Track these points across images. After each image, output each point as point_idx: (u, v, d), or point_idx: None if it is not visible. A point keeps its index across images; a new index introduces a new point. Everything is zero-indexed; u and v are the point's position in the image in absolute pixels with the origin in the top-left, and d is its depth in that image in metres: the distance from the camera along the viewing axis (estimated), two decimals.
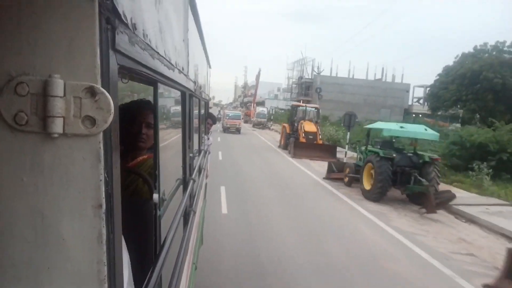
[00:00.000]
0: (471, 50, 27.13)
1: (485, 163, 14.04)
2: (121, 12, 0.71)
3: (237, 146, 21.60)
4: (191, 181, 2.29)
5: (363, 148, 11.74)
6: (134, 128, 2.03)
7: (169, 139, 2.13)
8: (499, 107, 23.33)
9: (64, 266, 0.64)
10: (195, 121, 3.49)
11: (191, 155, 2.80)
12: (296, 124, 20.58)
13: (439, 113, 28.87)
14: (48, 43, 0.62)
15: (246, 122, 41.41)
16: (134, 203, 1.69)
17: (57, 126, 0.61)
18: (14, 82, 0.60)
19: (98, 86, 0.62)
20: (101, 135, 0.63)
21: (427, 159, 9.95)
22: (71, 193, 0.63)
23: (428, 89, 31.50)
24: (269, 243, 6.45)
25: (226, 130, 30.50)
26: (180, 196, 1.97)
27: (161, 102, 1.66)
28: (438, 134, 10.66)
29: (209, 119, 6.74)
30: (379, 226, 7.95)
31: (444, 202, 9.20)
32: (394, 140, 11.34)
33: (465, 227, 8.54)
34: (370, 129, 11.97)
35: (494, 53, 25.64)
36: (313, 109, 22.43)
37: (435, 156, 10.59)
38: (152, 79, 1.21)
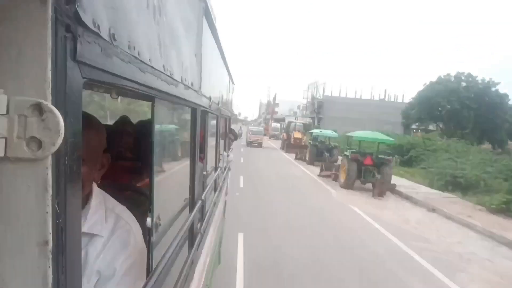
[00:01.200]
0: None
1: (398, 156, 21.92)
2: (88, 20, 0.63)
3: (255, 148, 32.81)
4: (200, 201, 2.19)
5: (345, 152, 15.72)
6: (148, 144, 1.98)
7: (177, 157, 2.05)
8: (449, 124, 30.97)
9: None
10: (211, 138, 3.42)
11: (204, 173, 2.72)
12: (290, 133, 31.72)
13: (413, 127, 37.54)
14: None
15: (264, 135, 46.21)
16: (143, 225, 1.62)
17: None
18: None
19: (47, 103, 0.53)
20: (49, 159, 0.54)
21: (382, 160, 14.55)
22: (13, 227, 0.54)
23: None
24: (270, 199, 11.79)
25: (249, 144, 34.43)
26: (186, 218, 1.88)
27: (164, 118, 1.59)
28: (393, 139, 17.51)
29: (230, 135, 6.68)
30: (342, 202, 12.23)
31: (386, 189, 13.99)
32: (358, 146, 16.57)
33: (398, 201, 13.61)
34: (349, 136, 17.25)
35: (452, 80, 31.00)
36: (301, 123, 35.06)
37: (389, 157, 14.98)
38: (147, 95, 1.13)
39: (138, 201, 1.92)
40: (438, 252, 7.79)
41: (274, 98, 67.62)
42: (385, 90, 61.46)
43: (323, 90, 55.28)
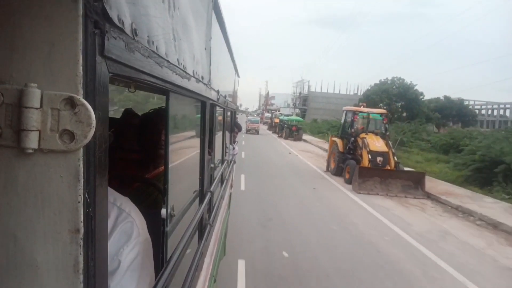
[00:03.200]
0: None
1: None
2: (114, 16, 0.65)
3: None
4: (209, 193, 2.22)
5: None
6: (154, 136, 2.01)
7: (187, 149, 2.08)
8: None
9: None
10: (218, 131, 3.44)
11: (212, 165, 2.74)
12: (273, 119, 34.34)
13: None
14: (27, 50, 0.56)
15: (261, 122, 56.71)
16: (152, 215, 1.64)
17: (32, 141, 0.54)
18: None
19: (79, 97, 0.56)
20: (81, 151, 0.57)
21: (299, 128, 36.61)
22: (46, 215, 0.57)
23: None
24: (260, 150, 24.18)
25: (248, 131, 39.86)
26: (195, 209, 1.91)
27: (176, 111, 1.61)
28: (302, 119, 44.29)
29: (234, 127, 6.69)
30: (281, 142, 32.67)
31: (299, 139, 34.32)
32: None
33: (302, 142, 31.20)
34: (281, 119, 41.89)
35: (389, 83, 40.94)
36: (280, 113, 39.03)
37: (301, 127, 38.31)
38: (162, 88, 1.15)
39: (147, 192, 1.94)
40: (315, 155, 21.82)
41: (267, 94, 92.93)
42: (358, 86, 73.03)
43: (308, 87, 71.94)
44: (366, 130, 14.62)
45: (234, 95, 5.86)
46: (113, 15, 0.65)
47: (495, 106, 58.16)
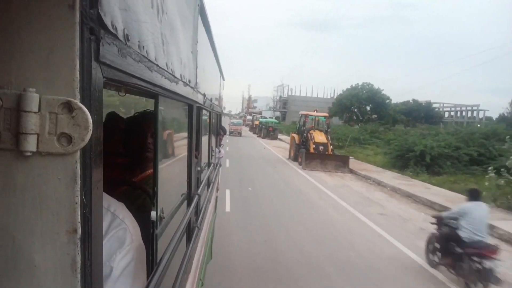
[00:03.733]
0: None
1: None
2: (108, 23, 0.67)
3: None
4: (196, 196, 2.23)
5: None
6: (140, 139, 2.00)
7: (176, 153, 2.09)
8: (352, 116, 46.20)
9: None
10: (205, 134, 3.45)
11: (198, 168, 2.75)
12: (254, 121, 41.75)
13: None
14: (25, 55, 0.57)
15: (243, 124, 60.51)
16: (141, 219, 1.65)
17: (30, 144, 0.56)
18: None
19: (76, 101, 0.58)
20: (78, 154, 0.58)
21: (276, 128, 42.90)
22: (44, 216, 0.58)
23: None
24: (240, 147, 28.81)
25: (231, 133, 40.66)
26: (184, 212, 1.92)
27: (164, 115, 1.63)
28: (277, 121, 49.95)
29: (220, 131, 6.70)
30: (259, 141, 37.67)
31: (274, 138, 39.96)
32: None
33: (278, 141, 38.20)
34: (260, 121, 48.41)
35: (359, 88, 45.27)
36: (260, 116, 43.09)
37: (277, 128, 42.84)
38: (151, 92, 1.17)
39: (134, 195, 1.94)
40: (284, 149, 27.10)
41: (250, 98, 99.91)
42: (334, 90, 78.37)
43: (288, 91, 79.42)
44: (314, 128, 20.80)
45: (219, 98, 5.88)
46: (107, 21, 0.67)
47: (463, 108, 61.72)
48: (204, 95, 2.76)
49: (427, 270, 6.28)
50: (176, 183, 1.96)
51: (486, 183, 11.78)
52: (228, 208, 9.47)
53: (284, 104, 74.66)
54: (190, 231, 2.07)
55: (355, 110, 45.80)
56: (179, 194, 1.95)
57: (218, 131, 6.13)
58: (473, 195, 5.93)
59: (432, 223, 6.39)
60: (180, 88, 1.58)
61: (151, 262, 1.28)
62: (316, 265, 6.21)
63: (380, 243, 7.64)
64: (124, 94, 1.50)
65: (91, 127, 0.58)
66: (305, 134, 20.23)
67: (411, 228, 8.95)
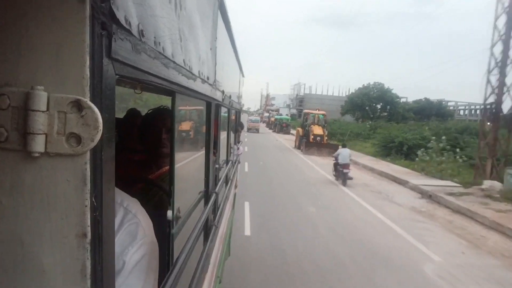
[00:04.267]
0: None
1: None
2: (121, 17, 0.64)
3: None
4: (214, 195, 2.21)
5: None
6: (155, 135, 1.99)
7: (194, 151, 2.07)
8: (364, 113, 49.40)
9: None
10: (223, 131, 3.43)
11: (217, 166, 2.73)
12: (270, 118, 49.95)
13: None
14: (34, 52, 0.55)
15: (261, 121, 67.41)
16: (157, 216, 1.64)
17: (39, 144, 0.54)
18: None
19: (86, 99, 0.55)
20: (87, 154, 0.56)
21: (288, 124, 48.68)
22: (53, 219, 0.56)
23: None
24: (259, 142, 32.98)
25: (249, 130, 44.22)
26: (201, 210, 1.90)
27: (182, 112, 1.61)
28: (289, 117, 56.44)
29: (238, 127, 6.68)
30: (274, 136, 43.35)
31: (287, 133, 45.64)
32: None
33: (290, 136, 39.43)
34: (275, 118, 55.51)
35: (370, 87, 48.74)
36: (274, 113, 48.08)
37: (290, 124, 48.53)
38: (168, 89, 1.14)
39: (151, 193, 1.93)
40: (292, 141, 32.09)
41: (268, 96, 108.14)
42: (349, 89, 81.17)
43: (304, 89, 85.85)
44: (314, 123, 26.70)
45: (238, 95, 5.85)
46: (120, 16, 0.64)
47: (477, 107, 62.91)
48: (223, 92, 2.74)
49: (332, 179, 15.10)
50: (193, 181, 1.94)
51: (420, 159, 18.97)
52: (246, 169, 15.79)
53: (300, 102, 79.24)
54: (207, 230, 2.05)
55: (367, 108, 49.91)
56: (197, 192, 1.93)
57: (236, 128, 6.11)
58: (344, 146, 14.98)
59: (333, 160, 14.79)
60: (198, 85, 1.55)
61: (168, 262, 1.26)
62: (287, 185, 13.65)
63: (324, 177, 15.95)
64: (140, 91, 1.48)
65: (101, 127, 0.55)
66: (306, 128, 26.39)
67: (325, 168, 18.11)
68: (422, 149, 19.50)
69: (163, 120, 2.00)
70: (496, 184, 13.32)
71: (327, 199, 11.65)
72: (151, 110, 2.18)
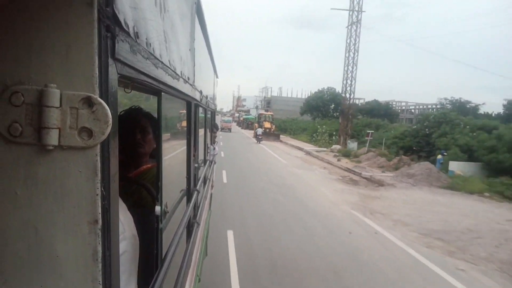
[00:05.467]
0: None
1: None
2: (121, 20, 0.69)
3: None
4: (195, 192, 2.25)
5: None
6: (129, 136, 2.00)
7: (175, 149, 2.10)
8: (318, 113, 55.85)
9: (57, 285, 0.61)
10: (201, 131, 3.47)
11: (196, 165, 2.77)
12: (240, 118, 64.17)
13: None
14: (45, 52, 0.59)
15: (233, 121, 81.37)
16: (137, 214, 1.66)
17: (52, 138, 0.58)
18: (9, 91, 0.58)
19: (96, 96, 0.59)
20: (98, 147, 0.60)
21: (253, 122, 54.65)
22: (65, 207, 0.60)
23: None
24: (230, 137, 40.17)
25: (222, 129, 47.37)
26: (183, 208, 1.94)
27: (165, 112, 1.64)
28: (254, 117, 61.62)
29: (213, 128, 6.70)
30: (242, 131, 53.89)
31: (273, 138, 39.45)
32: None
33: (285, 145, 34.83)
34: (244, 118, 70.26)
35: (324, 91, 56.71)
36: (243, 114, 67.56)
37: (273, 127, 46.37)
38: (155, 88, 1.19)
39: (130, 190, 1.95)
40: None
41: (239, 97, 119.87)
42: (310, 91, 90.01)
43: (271, 92, 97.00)
44: (264, 119, 41.47)
45: (213, 96, 5.88)
46: (121, 19, 0.69)
47: (424, 106, 69.82)
48: (201, 92, 2.78)
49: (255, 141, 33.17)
50: (175, 179, 1.97)
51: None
52: (222, 155, 20.52)
53: (268, 104, 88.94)
54: (190, 227, 2.09)
55: (321, 109, 57.85)
56: (179, 190, 1.97)
57: (212, 128, 6.14)
58: (261, 126, 37.86)
59: (255, 132, 35.00)
60: (181, 85, 1.60)
61: (156, 257, 1.30)
62: (240, 148, 27.15)
63: (263, 150, 26.51)
64: (130, 91, 1.50)
65: (111, 122, 0.60)
66: (260, 123, 40.38)
67: (271, 145, 31.55)
68: (316, 133, 35.17)
69: (136, 120, 2.01)
70: (339, 148, 27.19)
71: (254, 148, 28.03)
72: (123, 112, 2.18)
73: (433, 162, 17.30)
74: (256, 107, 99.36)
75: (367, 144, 23.37)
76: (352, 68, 28.85)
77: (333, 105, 54.87)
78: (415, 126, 24.88)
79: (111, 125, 0.60)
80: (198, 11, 2.59)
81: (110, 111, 0.64)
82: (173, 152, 2.09)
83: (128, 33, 0.74)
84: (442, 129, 20.84)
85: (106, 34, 0.63)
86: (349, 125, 29.28)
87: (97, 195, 0.60)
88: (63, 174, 0.60)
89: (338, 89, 50.99)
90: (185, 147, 2.08)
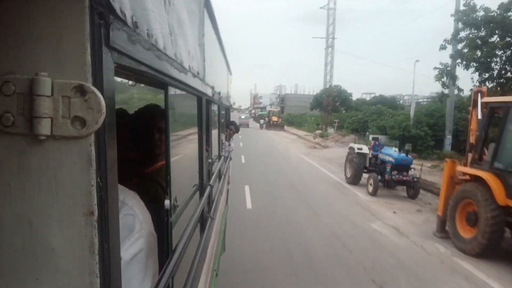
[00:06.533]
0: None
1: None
2: (116, 8, 0.67)
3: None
4: (208, 187, 2.24)
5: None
6: (147, 135, 2.00)
7: (187, 145, 2.10)
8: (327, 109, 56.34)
9: (53, 278, 0.60)
10: (215, 127, 3.46)
11: (209, 160, 2.76)
12: (270, 117, 53.78)
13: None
14: (35, 40, 0.58)
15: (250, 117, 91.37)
16: (154, 209, 1.66)
17: (44, 128, 0.57)
18: None
19: (89, 84, 0.58)
20: (92, 137, 0.59)
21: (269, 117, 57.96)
22: (60, 199, 0.59)
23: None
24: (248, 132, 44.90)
25: (240, 125, 49.67)
26: (196, 203, 1.93)
27: (173, 106, 1.63)
28: (266, 113, 67.48)
29: (231, 126, 6.68)
30: (257, 127, 57.03)
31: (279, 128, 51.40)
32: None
33: (286, 133, 45.75)
34: (259, 114, 79.63)
35: (331, 89, 56.37)
36: (259, 110, 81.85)
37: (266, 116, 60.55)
38: (161, 81, 1.17)
39: (146, 187, 1.95)
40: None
41: (256, 95, 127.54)
42: (320, 89, 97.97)
43: (285, 90, 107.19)
44: (273, 115, 54.36)
45: (227, 93, 5.88)
46: (116, 7, 0.67)
47: (425, 99, 72.44)
48: (212, 88, 2.77)
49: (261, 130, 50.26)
50: (188, 174, 1.97)
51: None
52: (240, 137, 25.72)
53: (282, 101, 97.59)
54: (203, 221, 2.08)
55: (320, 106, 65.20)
56: (191, 185, 1.96)
57: (227, 125, 6.13)
58: (262, 118, 60.12)
59: (261, 123, 56.08)
60: (189, 79, 1.58)
61: (167, 250, 1.29)
62: (253, 134, 39.43)
63: (268, 135, 39.68)
64: (134, 84, 1.50)
65: (104, 110, 0.59)
66: (269, 117, 53.31)
67: (275, 133, 43.99)
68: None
69: (154, 119, 2.00)
70: (320, 132, 36.00)
71: (260, 133, 42.27)
72: (141, 108, 2.18)
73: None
74: (271, 104, 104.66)
75: (335, 128, 35.60)
76: (330, 78, 48.11)
77: (339, 101, 59.38)
78: (360, 116, 35.04)
79: (104, 113, 0.59)
80: (207, 6, 2.57)
81: (105, 100, 0.62)
82: (185, 147, 2.08)
83: (124, 22, 0.72)
84: (373, 117, 31.12)
85: (99, 21, 0.61)
86: (329, 117, 41.91)
87: (92, 185, 0.59)
88: (57, 165, 0.59)
89: (344, 86, 59.42)
90: (197, 143, 2.07)
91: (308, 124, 49.95)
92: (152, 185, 1.94)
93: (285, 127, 52.08)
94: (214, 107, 3.51)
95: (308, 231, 7.72)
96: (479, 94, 7.66)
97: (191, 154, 2.06)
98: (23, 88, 0.57)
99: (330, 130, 35.65)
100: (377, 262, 6.17)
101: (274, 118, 52.26)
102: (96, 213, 0.59)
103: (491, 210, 6.26)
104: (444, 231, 7.58)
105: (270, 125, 50.03)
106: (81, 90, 0.58)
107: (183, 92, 1.70)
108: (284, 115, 79.71)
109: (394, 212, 9.51)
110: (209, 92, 2.49)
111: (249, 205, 9.64)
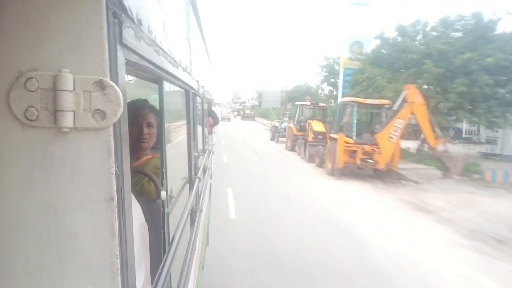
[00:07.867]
0: None
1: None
2: (127, 7, 0.71)
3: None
4: (197, 180, 2.29)
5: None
6: (135, 129, 2.00)
7: (174, 138, 2.13)
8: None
9: (77, 261, 0.64)
10: (199, 120, 3.49)
11: (195, 154, 2.80)
12: (244, 110, 69.88)
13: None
14: (56, 38, 0.62)
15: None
16: (141, 203, 1.69)
17: (68, 120, 0.61)
18: (24, 77, 0.60)
19: (107, 79, 0.62)
20: (111, 128, 0.63)
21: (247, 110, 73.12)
22: (82, 187, 0.63)
23: None
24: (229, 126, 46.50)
25: (222, 119, 61.66)
26: (186, 195, 1.97)
27: (166, 100, 1.66)
28: (243, 107, 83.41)
29: (210, 118, 6.65)
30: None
31: (251, 119, 64.87)
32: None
33: (256, 123, 56.45)
34: (239, 108, 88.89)
35: (302, 86, 65.73)
36: (239, 104, 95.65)
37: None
38: (157, 76, 1.21)
39: (133, 181, 1.97)
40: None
41: (236, 92, 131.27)
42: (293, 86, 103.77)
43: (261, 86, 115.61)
44: (247, 109, 68.58)
45: (209, 86, 5.89)
46: (127, 5, 0.71)
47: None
48: (198, 81, 2.80)
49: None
50: (177, 167, 2.00)
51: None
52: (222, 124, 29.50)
53: (259, 96, 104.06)
54: (193, 214, 2.13)
55: (298, 100, 74.21)
56: (181, 178, 2.00)
57: (208, 117, 6.13)
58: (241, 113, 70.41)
59: (236, 113, 73.97)
60: (180, 73, 1.62)
61: (163, 241, 1.34)
62: (236, 131, 36.74)
63: (241, 124, 50.24)
64: (133, 78, 1.52)
65: (122, 103, 0.63)
66: (244, 110, 65.58)
67: (247, 122, 55.27)
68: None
69: (143, 114, 2.01)
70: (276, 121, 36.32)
71: (236, 122, 52.32)
72: (128, 102, 2.17)
73: None
74: (249, 99, 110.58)
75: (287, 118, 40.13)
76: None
77: (308, 98, 64.41)
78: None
79: (122, 106, 0.63)
80: (192, 2, 2.59)
81: (121, 94, 0.67)
82: (174, 141, 2.12)
83: (132, 20, 0.77)
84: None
85: (113, 20, 0.66)
86: (285, 110, 48.27)
87: (111, 173, 0.63)
88: (78, 155, 0.63)
89: (312, 84, 63.75)
90: (185, 136, 2.10)
91: (271, 116, 56.82)
92: (140, 178, 1.96)
93: (256, 118, 61.51)
94: (199, 101, 3.54)
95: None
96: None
97: (179, 148, 2.10)
98: (46, 84, 0.60)
99: (285, 119, 41.29)
100: (265, 153, 19.80)
101: (247, 111, 63.50)
102: (115, 199, 0.64)
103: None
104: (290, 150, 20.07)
105: (244, 117, 61.07)
106: (101, 85, 0.62)
107: (172, 86, 1.74)
108: (261, 109, 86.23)
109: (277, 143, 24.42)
110: (195, 85, 2.53)
111: (225, 159, 16.35)
